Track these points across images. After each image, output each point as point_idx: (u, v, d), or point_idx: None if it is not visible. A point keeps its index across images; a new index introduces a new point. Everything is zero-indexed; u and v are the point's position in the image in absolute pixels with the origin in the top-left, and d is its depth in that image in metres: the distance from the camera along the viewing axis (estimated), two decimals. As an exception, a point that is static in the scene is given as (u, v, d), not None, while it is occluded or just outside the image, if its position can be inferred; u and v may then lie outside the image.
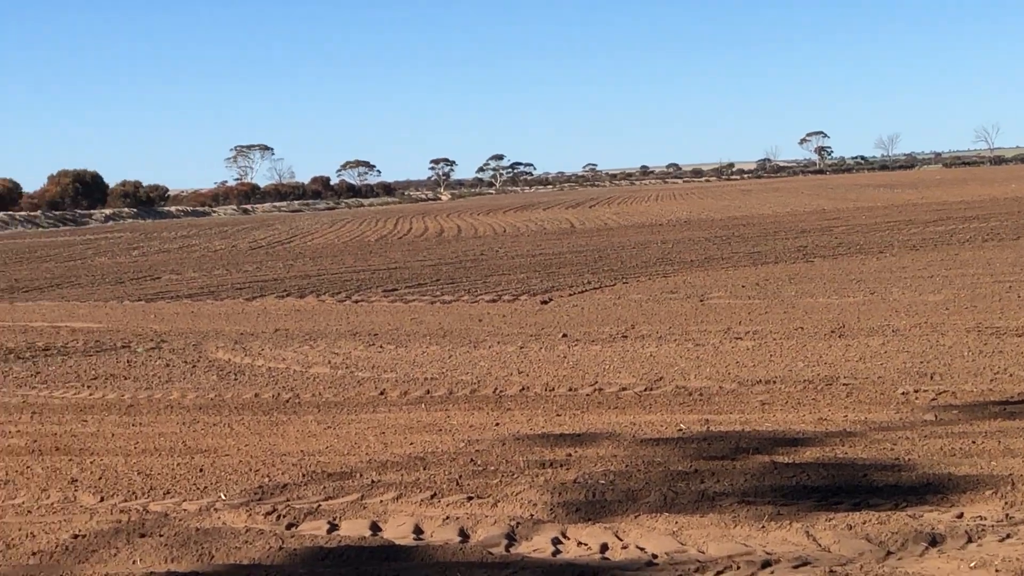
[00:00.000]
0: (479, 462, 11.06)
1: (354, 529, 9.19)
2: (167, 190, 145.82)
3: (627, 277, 31.06)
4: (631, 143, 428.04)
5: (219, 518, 9.62)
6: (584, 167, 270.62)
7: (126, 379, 17.46)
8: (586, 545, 8.53)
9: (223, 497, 10.31)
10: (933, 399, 12.98)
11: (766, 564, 7.78)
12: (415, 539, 8.89)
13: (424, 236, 61.57)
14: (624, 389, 14.60)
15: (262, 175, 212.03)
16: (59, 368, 18.82)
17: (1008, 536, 8.10)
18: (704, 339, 18.50)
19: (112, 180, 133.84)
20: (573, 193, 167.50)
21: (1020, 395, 13.05)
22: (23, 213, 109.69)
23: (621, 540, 8.54)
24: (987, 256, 31.44)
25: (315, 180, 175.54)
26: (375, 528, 9.20)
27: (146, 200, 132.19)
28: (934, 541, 8.06)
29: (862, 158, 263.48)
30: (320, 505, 9.83)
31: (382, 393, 15.23)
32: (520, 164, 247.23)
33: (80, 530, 9.32)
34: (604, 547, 8.44)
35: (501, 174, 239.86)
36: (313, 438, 12.63)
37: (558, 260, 38.86)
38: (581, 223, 67.58)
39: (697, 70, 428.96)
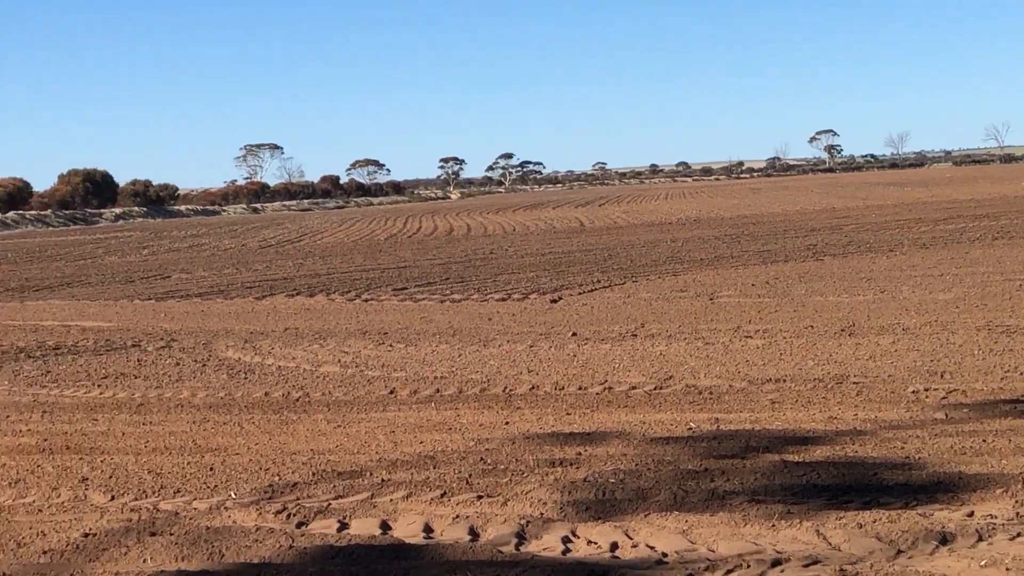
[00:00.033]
0: (489, 461, 11.06)
1: (364, 528, 9.19)
2: (177, 189, 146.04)
3: (637, 276, 31.04)
4: (640, 142, 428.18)
5: (229, 517, 9.63)
6: (593, 166, 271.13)
7: (136, 378, 17.48)
8: (596, 544, 8.53)
9: (233, 496, 10.32)
10: (943, 397, 12.97)
11: (776, 563, 7.78)
12: (425, 538, 8.89)
13: (434, 235, 61.57)
14: (634, 388, 14.59)
15: (272, 174, 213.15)
16: (69, 367, 18.84)
17: (1019, 535, 8.09)
18: (714, 338, 18.49)
19: (122, 179, 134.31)
20: (582, 192, 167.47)
21: (1031, 393, 13.03)
22: (33, 212, 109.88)
23: (631, 539, 8.54)
24: (997, 254, 31.37)
25: (324, 179, 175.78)
26: (385, 527, 9.21)
27: (156, 199, 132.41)
28: (944, 540, 8.05)
29: (872, 156, 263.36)
30: (330, 504, 9.83)
31: (392, 392, 15.23)
32: (529, 163, 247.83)
33: (91, 529, 9.34)
34: (614, 546, 8.44)
35: (510, 173, 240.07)
36: (323, 437, 12.63)
37: (568, 259, 38.83)
38: (590, 222, 67.55)
39: (707, 68, 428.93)
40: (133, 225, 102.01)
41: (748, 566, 7.74)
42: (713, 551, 8.19)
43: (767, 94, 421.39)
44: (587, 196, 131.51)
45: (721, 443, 11.28)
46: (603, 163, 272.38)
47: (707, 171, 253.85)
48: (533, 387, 15.01)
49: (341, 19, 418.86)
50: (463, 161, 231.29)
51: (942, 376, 14.22)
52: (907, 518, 8.49)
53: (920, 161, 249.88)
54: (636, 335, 19.38)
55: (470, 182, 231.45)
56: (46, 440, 13.17)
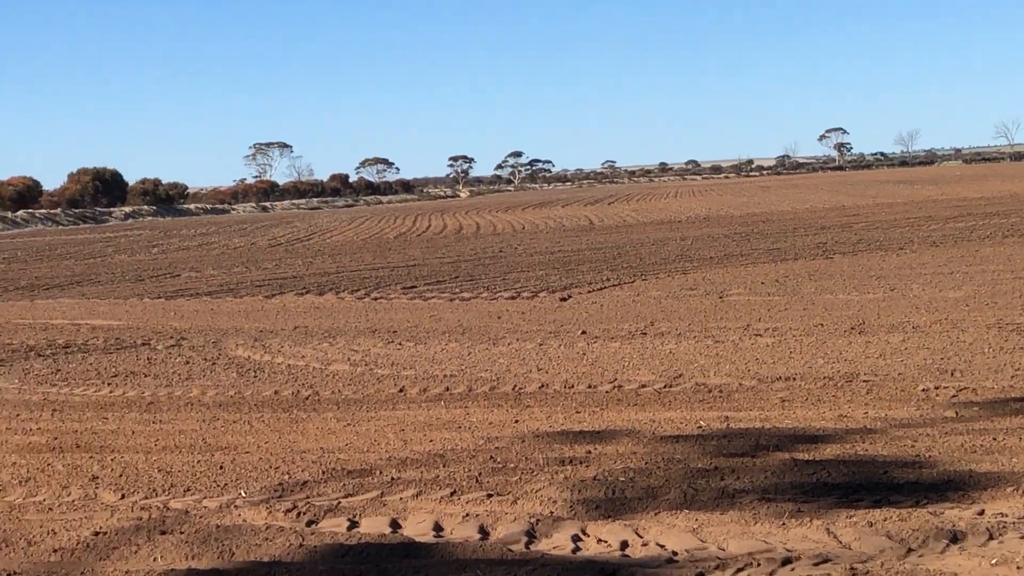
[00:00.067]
0: (498, 459, 11.06)
1: (374, 526, 9.20)
2: (186, 188, 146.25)
3: (646, 274, 31.02)
4: (650, 140, 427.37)
5: (239, 515, 9.63)
6: (603, 164, 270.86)
7: (146, 376, 17.51)
8: (606, 542, 8.52)
9: (243, 494, 10.33)
10: (954, 396, 12.95)
11: (786, 561, 7.77)
12: (435, 536, 8.90)
13: (443, 233, 61.58)
14: (643, 386, 14.59)
15: (281, 172, 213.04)
16: (79, 366, 18.87)
17: (1030, 533, 8.08)
18: (723, 336, 18.48)
19: (132, 178, 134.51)
20: (592, 190, 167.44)
21: (1041, 392, 13.02)
22: (43, 211, 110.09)
23: (641, 537, 8.54)
24: (1008, 252, 31.32)
25: (334, 177, 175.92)
26: (395, 525, 9.21)
27: (165, 198, 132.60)
28: (955, 538, 8.04)
29: (882, 154, 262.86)
30: (340, 502, 9.84)
31: (401, 390, 15.24)
32: (539, 161, 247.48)
33: (101, 527, 9.35)
34: (624, 544, 8.43)
35: (519, 171, 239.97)
36: (333, 435, 12.64)
37: (577, 257, 38.83)
38: (600, 220, 67.54)
39: (716, 67, 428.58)
40: (143, 224, 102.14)
41: (758, 564, 7.74)
42: (723, 549, 8.19)
43: (776, 92, 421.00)
44: (596, 194, 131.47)
45: (731, 441, 11.28)
46: (612, 161, 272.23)
47: (716, 169, 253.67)
48: (543, 385, 15.01)
49: (350, 17, 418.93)
50: (472, 159, 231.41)
51: (952, 374, 14.20)
52: (918, 517, 8.47)
53: (930, 159, 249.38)
54: (646, 333, 19.37)
55: (479, 180, 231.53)
56: (56, 439, 13.19)
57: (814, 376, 14.56)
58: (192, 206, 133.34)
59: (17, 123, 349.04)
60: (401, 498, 9.88)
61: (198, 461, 11.70)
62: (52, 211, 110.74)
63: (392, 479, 10.53)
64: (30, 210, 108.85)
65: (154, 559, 8.53)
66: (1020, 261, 28.54)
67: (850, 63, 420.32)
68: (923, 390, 13.29)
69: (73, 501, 10.52)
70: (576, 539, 8.61)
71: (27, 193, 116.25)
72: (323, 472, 10.95)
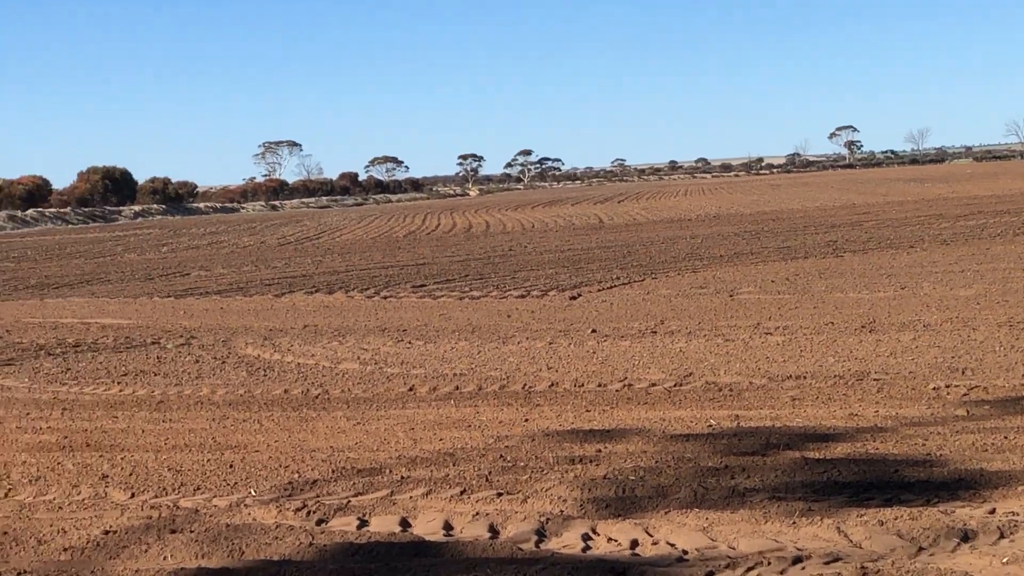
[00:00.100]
0: (508, 458, 11.05)
1: (384, 525, 9.19)
2: (196, 186, 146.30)
3: (656, 272, 31.01)
4: (659, 138, 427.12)
5: (249, 514, 9.64)
6: (612, 162, 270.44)
7: (156, 375, 17.52)
8: (616, 541, 8.51)
9: (253, 493, 10.33)
10: (965, 394, 12.92)
11: (797, 560, 7.76)
12: (445, 535, 8.89)
13: (452, 232, 61.59)
14: (653, 385, 14.57)
15: (290, 171, 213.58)
16: (89, 364, 18.89)
17: (1041, 532, 8.07)
18: (734, 334, 18.46)
19: (141, 177, 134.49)
20: (601, 188, 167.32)
21: (1052, 390, 12.99)
22: (53, 210, 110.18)
23: (651, 536, 8.53)
24: (1019, 250, 31.27)
25: (343, 176, 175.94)
26: (405, 524, 9.21)
27: (175, 197, 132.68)
28: (966, 537, 8.02)
29: (892, 152, 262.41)
30: (350, 501, 9.84)
31: (411, 389, 15.24)
32: (548, 159, 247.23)
33: (111, 526, 9.36)
34: (634, 543, 8.42)
35: (529, 169, 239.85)
36: (342, 434, 12.64)
37: (587, 256, 38.81)
38: (609, 218, 67.51)
39: (726, 64, 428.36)
40: (152, 222, 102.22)
41: (769, 563, 7.72)
42: (734, 548, 8.18)
43: (787, 90, 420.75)
44: (606, 193, 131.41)
45: (741, 440, 11.26)
46: (622, 159, 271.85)
47: (726, 167, 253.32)
48: (552, 384, 15.00)
49: (360, 16, 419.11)
50: (482, 158, 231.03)
51: (963, 373, 14.17)
52: (928, 515, 8.46)
53: (940, 157, 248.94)
54: (655, 332, 19.36)
55: (489, 179, 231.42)
56: (66, 437, 13.20)
57: (824, 375, 14.54)
58: (202, 205, 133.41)
59: (27, 122, 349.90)
60: (411, 497, 9.88)
61: (208, 460, 11.71)
62: (62, 210, 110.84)
63: (402, 478, 10.53)
64: (40, 209, 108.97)
65: (164, 558, 8.53)
66: (1031, 259, 28.49)
67: (860, 61, 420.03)
68: (934, 388, 13.27)
69: (83, 500, 10.53)
70: (586, 538, 8.60)
71: (37, 192, 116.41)
72: (333, 471, 10.95)
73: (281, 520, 9.41)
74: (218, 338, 21.44)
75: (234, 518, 9.52)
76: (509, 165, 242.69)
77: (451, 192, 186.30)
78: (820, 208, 65.86)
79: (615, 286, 27.93)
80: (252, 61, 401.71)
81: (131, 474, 11.33)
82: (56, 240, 71.68)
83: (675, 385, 14.48)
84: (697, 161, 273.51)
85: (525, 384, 15.08)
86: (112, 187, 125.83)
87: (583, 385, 14.83)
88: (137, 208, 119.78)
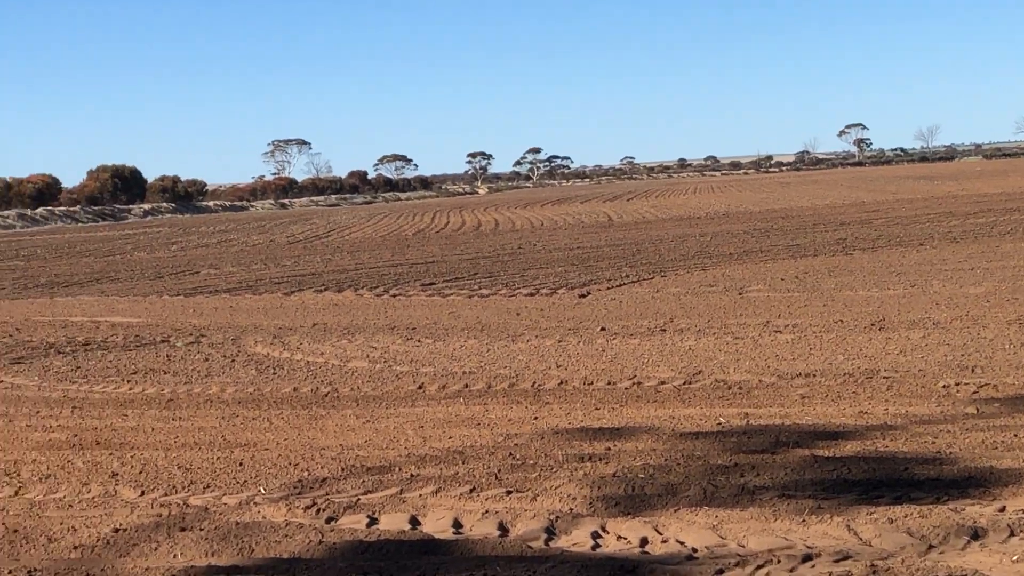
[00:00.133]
0: (518, 456, 11.05)
1: (393, 523, 9.20)
2: (205, 185, 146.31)
3: (665, 270, 30.99)
4: (669, 136, 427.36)
5: (259, 512, 9.65)
6: (621, 160, 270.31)
7: (166, 373, 17.54)
8: (626, 539, 8.51)
9: (263, 491, 10.34)
10: (974, 392, 12.91)
11: (807, 558, 7.75)
12: (454, 533, 8.90)
13: (461, 230, 61.57)
14: (663, 383, 14.57)
15: (299, 169, 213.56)
16: (99, 363, 18.91)
17: (1051, 530, 8.06)
18: (743, 332, 18.44)
19: (150, 175, 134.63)
20: (610, 186, 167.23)
21: (1062, 388, 12.97)
22: (62, 208, 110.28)
23: (661, 534, 8.53)
24: (1028, 248, 31.23)
25: (352, 174, 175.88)
26: (414, 522, 9.22)
27: (184, 195, 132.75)
28: (976, 535, 8.02)
29: (901, 150, 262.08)
30: (359, 499, 9.84)
31: (420, 387, 15.24)
32: (557, 157, 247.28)
33: (121, 524, 9.37)
34: (644, 541, 8.42)
35: (538, 167, 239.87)
36: (352, 432, 12.65)
37: (596, 253, 38.80)
38: (619, 216, 67.47)
39: (735, 62, 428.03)
40: (161, 221, 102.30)
41: (779, 561, 7.72)
42: (743, 546, 8.17)
43: (796, 88, 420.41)
44: (615, 191, 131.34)
45: (751, 438, 11.26)
46: (631, 157, 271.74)
47: (736, 165, 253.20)
48: (562, 382, 15.00)
49: (368, 14, 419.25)
50: (491, 156, 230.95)
51: (973, 371, 14.16)
52: (938, 513, 8.45)
53: (950, 154, 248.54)
54: (665, 330, 19.35)
55: (498, 177, 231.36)
56: (76, 436, 13.22)
57: (834, 372, 14.53)
58: (211, 203, 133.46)
59: (37, 121, 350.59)
60: (420, 495, 9.89)
61: (217, 458, 11.72)
62: (71, 208, 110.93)
63: (411, 476, 10.53)
64: (49, 208, 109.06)
65: (174, 556, 8.54)
66: (1041, 257, 28.46)
67: (870, 58, 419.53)
68: (944, 386, 13.26)
69: (93, 498, 10.54)
70: (596, 536, 8.61)
71: (46, 191, 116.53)
72: (342, 469, 10.96)
73: (291, 518, 9.42)
74: (227, 336, 21.46)
75: (244, 516, 9.53)
76: (518, 163, 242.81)
77: (460, 190, 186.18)
78: (829, 206, 65.79)
79: (624, 284, 27.92)
80: (261, 60, 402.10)
81: (141, 472, 11.34)
82: (66, 238, 71.76)
83: (684, 383, 14.47)
84: (706, 159, 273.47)
85: (534, 382, 15.08)
86: (121, 186, 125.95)
87: (592, 383, 14.83)
88: (146, 207, 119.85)
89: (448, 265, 36.79)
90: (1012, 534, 8.01)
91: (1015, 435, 10.82)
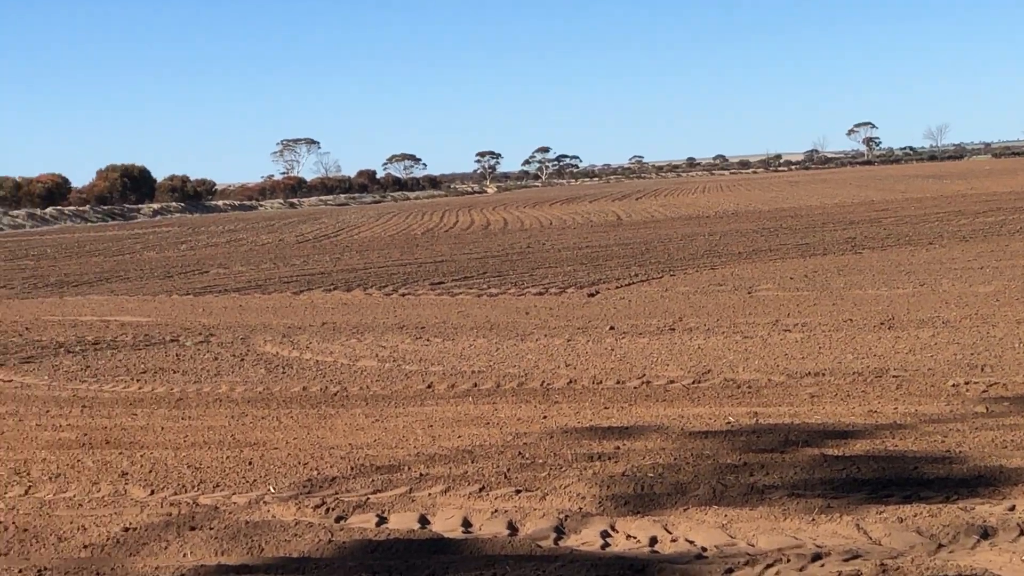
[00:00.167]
0: (527, 455, 11.05)
1: (403, 522, 9.20)
2: (214, 184, 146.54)
3: (674, 269, 30.97)
4: (677, 135, 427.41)
5: (268, 511, 9.65)
6: (630, 159, 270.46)
7: (175, 373, 17.55)
8: (635, 538, 8.51)
9: (272, 490, 10.35)
10: (984, 391, 12.89)
11: (816, 557, 7.75)
12: (464, 532, 8.90)
13: (470, 229, 61.57)
14: (672, 382, 14.56)
15: (308, 169, 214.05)
16: (108, 362, 18.93)
17: (1061, 529, 8.04)
18: (752, 331, 18.43)
19: (160, 175, 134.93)
20: (619, 185, 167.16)
21: (1072, 387, 12.95)
22: (72, 208, 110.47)
23: (670, 533, 8.52)
24: (1038, 247, 31.19)
25: (361, 173, 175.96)
26: (424, 521, 9.22)
27: (194, 194, 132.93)
28: (986, 534, 8.01)
29: (911, 149, 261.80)
30: (369, 498, 9.85)
31: (429, 386, 15.24)
32: (566, 156, 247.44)
33: (131, 523, 9.38)
34: (653, 540, 8.42)
35: (547, 167, 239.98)
36: (361, 431, 12.65)
37: (605, 253, 38.79)
38: (627, 215, 67.44)
39: (744, 61, 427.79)
40: (171, 220, 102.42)
41: (788, 560, 7.71)
42: (753, 545, 8.17)
43: (805, 87, 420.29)
44: (624, 190, 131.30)
45: (760, 437, 11.25)
46: (640, 156, 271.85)
47: (744, 164, 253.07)
48: (571, 381, 15.00)
49: (378, 14, 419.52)
50: (499, 155, 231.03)
51: (983, 369, 14.14)
52: (948, 512, 8.44)
53: (959, 153, 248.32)
54: (674, 329, 19.35)
55: (506, 176, 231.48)
56: (86, 435, 13.24)
57: (843, 372, 14.51)
58: (220, 202, 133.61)
59: (46, 121, 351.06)
60: (430, 494, 9.89)
61: (227, 457, 11.73)
62: (81, 208, 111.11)
63: (420, 475, 10.54)
64: (59, 207, 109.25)
65: (183, 555, 8.55)
66: (1050, 256, 28.41)
67: (879, 57, 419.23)
68: (953, 385, 13.24)
69: (103, 497, 10.55)
70: (605, 535, 8.60)
71: (56, 190, 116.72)
72: (351, 468, 10.96)
73: (300, 517, 9.43)
74: (237, 335, 21.47)
75: (253, 515, 9.54)
76: (527, 162, 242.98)
77: (469, 189, 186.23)
78: (839, 205, 65.73)
79: (633, 283, 27.90)
80: (271, 59, 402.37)
81: (150, 471, 11.36)
82: (75, 238, 71.84)
83: (693, 382, 14.46)
84: (715, 158, 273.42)
85: (543, 381, 15.08)
86: (131, 185, 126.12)
87: (601, 382, 14.82)
88: (156, 206, 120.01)
89: (457, 264, 36.79)
90: (1022, 533, 8.00)
91: (1025, 434, 10.80)
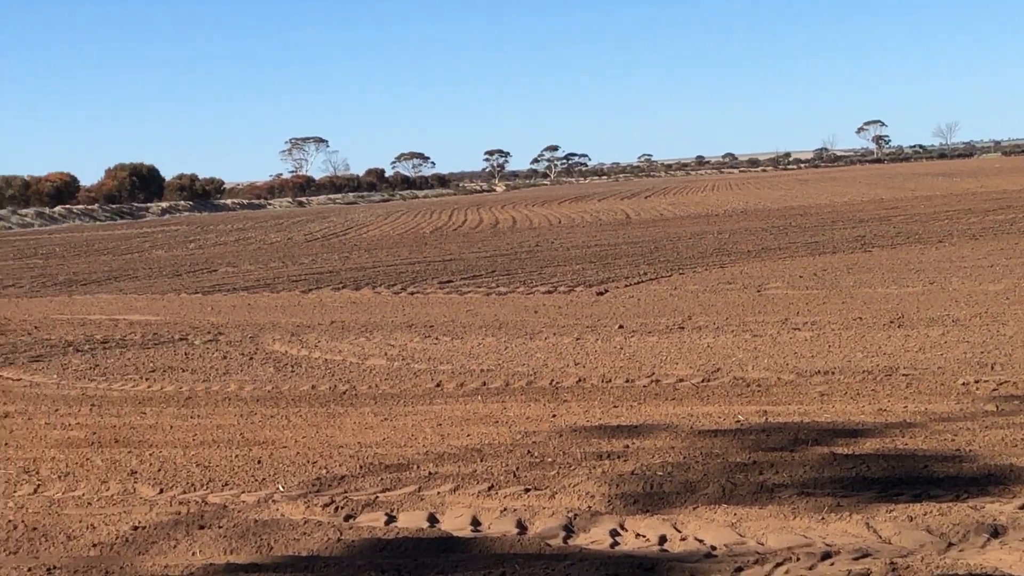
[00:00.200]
0: (536, 454, 11.05)
1: (412, 521, 9.20)
2: (223, 183, 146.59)
3: (683, 268, 30.95)
4: (686, 133, 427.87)
5: (277, 510, 9.65)
6: (639, 157, 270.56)
7: (184, 371, 17.56)
8: (644, 537, 8.50)
9: (281, 489, 10.35)
10: (994, 389, 12.87)
11: (826, 556, 7.73)
12: (473, 531, 8.89)
13: (479, 228, 61.57)
14: (681, 380, 14.54)
15: (317, 167, 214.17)
16: (117, 361, 18.94)
17: (1072, 528, 8.02)
18: (762, 330, 18.41)
19: (168, 173, 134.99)
20: (628, 184, 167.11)
21: (1083, 385, 12.92)
22: (80, 207, 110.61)
23: (680, 532, 8.51)
24: (1047, 245, 31.13)
25: (369, 172, 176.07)
26: (433, 520, 9.21)
27: (202, 193, 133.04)
28: (996, 532, 7.99)
29: (920, 147, 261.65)
30: (378, 497, 9.84)
31: (438, 385, 15.24)
32: (575, 155, 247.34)
33: (140, 522, 9.39)
34: (663, 539, 8.41)
35: (556, 165, 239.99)
36: (370, 430, 12.65)
37: (613, 251, 38.76)
38: (636, 214, 67.42)
39: (753, 58, 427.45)
40: (179, 219, 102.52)
41: (798, 559, 7.70)
42: (762, 544, 8.16)
43: (814, 85, 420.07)
44: (633, 188, 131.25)
45: (770, 436, 11.23)
46: (649, 155, 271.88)
47: (754, 162, 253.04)
48: (580, 380, 14.99)
49: (386, 12, 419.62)
50: (508, 153, 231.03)
51: (993, 368, 14.11)
52: (958, 511, 8.43)
53: (969, 151, 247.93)
54: (683, 327, 19.33)
55: (515, 174, 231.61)
56: (95, 433, 13.25)
57: (853, 370, 14.49)
58: (228, 201, 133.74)
59: (55, 120, 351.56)
60: (439, 492, 9.89)
61: (236, 456, 11.73)
62: (89, 207, 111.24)
63: (429, 473, 10.53)
64: (67, 206, 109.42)
65: (193, 553, 8.55)
66: (1060, 254, 28.36)
67: (888, 55, 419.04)
68: (963, 384, 13.22)
69: (112, 496, 10.56)
70: (614, 534, 8.59)
71: (64, 189, 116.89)
72: (360, 467, 10.96)
73: (309, 516, 9.43)
74: (245, 334, 21.49)
75: (262, 514, 9.54)
76: (535, 161, 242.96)
77: (477, 188, 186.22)
78: (848, 203, 65.65)
79: (642, 282, 27.88)
80: (279, 58, 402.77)
81: (159, 470, 11.36)
82: (84, 237, 71.92)
83: (703, 381, 14.45)
84: (724, 156, 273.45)
85: (552, 380, 15.07)
86: (139, 184, 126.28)
87: (610, 381, 14.81)
88: (164, 205, 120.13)
89: (466, 263, 36.79)
90: (1032, 532, 7.99)
91: (1035, 432, 10.78)
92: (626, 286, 27.04)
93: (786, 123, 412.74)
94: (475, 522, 9.07)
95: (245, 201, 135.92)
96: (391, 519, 9.27)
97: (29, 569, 8.37)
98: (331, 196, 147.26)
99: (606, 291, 26.16)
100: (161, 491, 10.62)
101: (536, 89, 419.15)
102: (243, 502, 9.99)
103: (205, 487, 10.65)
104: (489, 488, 9.90)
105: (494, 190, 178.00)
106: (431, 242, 50.41)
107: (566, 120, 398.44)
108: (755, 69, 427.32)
